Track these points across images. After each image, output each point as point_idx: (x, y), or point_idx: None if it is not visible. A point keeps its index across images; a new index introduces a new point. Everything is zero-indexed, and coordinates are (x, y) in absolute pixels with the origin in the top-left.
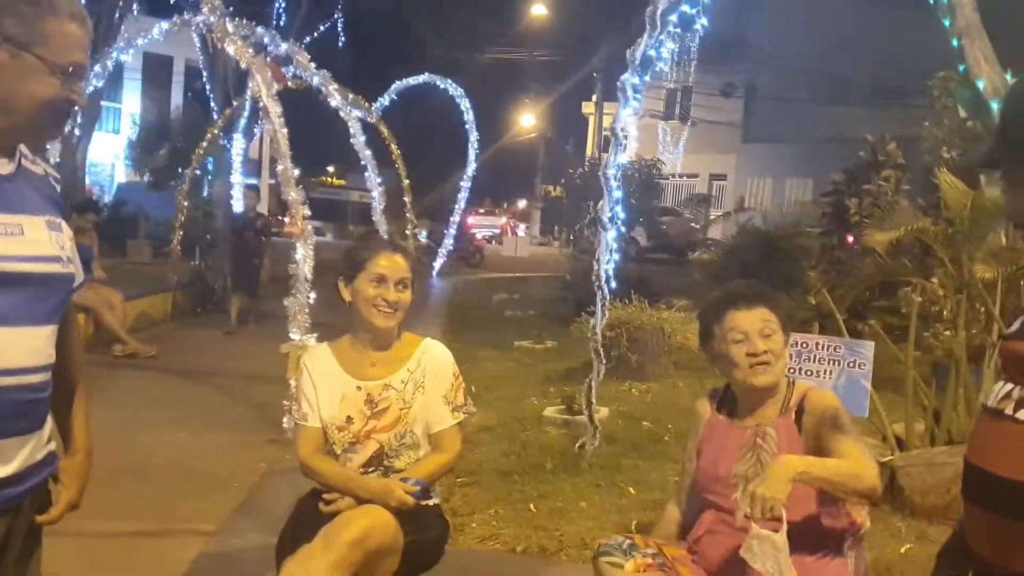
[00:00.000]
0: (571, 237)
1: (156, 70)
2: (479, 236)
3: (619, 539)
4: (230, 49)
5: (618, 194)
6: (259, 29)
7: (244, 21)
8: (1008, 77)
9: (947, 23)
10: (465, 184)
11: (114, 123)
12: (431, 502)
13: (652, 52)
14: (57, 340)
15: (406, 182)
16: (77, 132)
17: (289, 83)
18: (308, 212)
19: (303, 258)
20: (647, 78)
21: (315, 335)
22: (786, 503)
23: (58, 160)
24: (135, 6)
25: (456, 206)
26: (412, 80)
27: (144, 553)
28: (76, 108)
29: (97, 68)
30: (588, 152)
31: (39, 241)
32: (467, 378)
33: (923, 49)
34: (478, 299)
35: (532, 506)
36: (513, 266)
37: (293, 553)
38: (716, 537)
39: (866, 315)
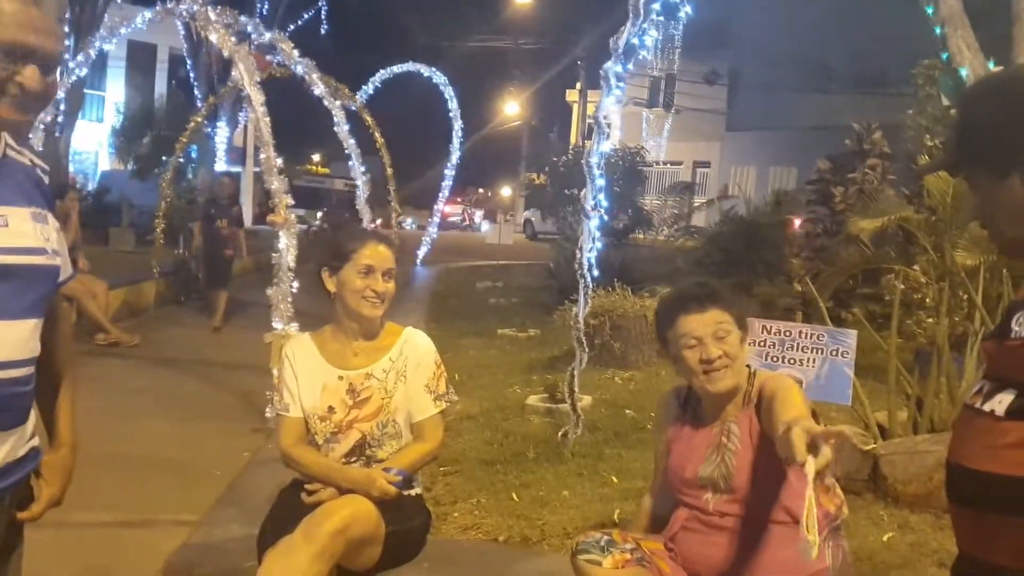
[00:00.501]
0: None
1: (140, 58)
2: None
3: (596, 536)
4: (213, 37)
5: (601, 182)
6: (242, 17)
7: (227, 9)
8: (991, 65)
9: (930, 11)
10: (449, 172)
11: (98, 111)
12: (413, 492)
13: (635, 40)
14: (44, 333)
15: (390, 171)
16: (60, 120)
17: (274, 71)
18: (291, 201)
19: (286, 247)
20: (630, 66)
21: (296, 324)
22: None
23: (40, 148)
24: None
25: (440, 194)
26: (396, 68)
27: (125, 544)
28: (32, 92)
29: (80, 57)
30: (572, 140)
31: (24, 233)
32: (450, 366)
33: (907, 37)
34: (462, 287)
35: (515, 495)
36: (496, 254)
37: (275, 544)
38: (691, 534)
39: (850, 303)
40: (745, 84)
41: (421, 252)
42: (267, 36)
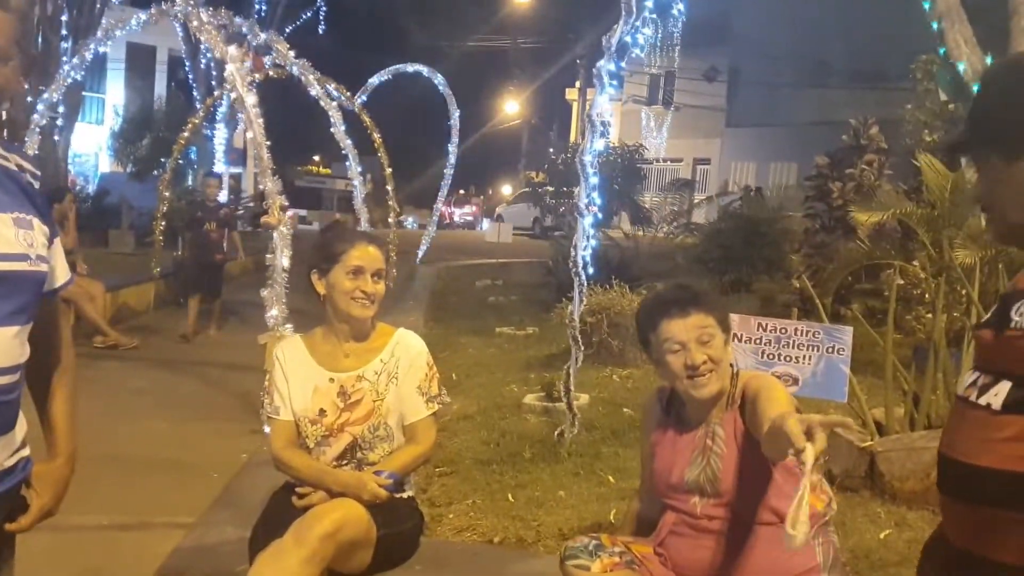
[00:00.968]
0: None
1: (139, 60)
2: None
3: (585, 540)
4: (203, 38)
5: (595, 180)
6: (237, 19)
7: (222, 10)
8: (988, 59)
9: (927, 6)
10: (448, 171)
11: (97, 113)
12: (405, 495)
13: (628, 38)
14: (42, 340)
15: (388, 170)
16: (59, 123)
17: (270, 72)
18: (286, 202)
19: (280, 248)
20: (624, 64)
21: (291, 325)
22: (748, 497)
23: (37, 151)
24: None
25: (440, 194)
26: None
27: (121, 546)
28: (4, 92)
29: (75, 60)
30: (572, 138)
31: (5, 239)
32: (448, 365)
33: (906, 32)
34: (461, 285)
35: (510, 496)
36: (495, 252)
37: (266, 547)
38: (679, 538)
39: (849, 299)
40: (744, 80)
41: (421, 251)
42: (262, 37)
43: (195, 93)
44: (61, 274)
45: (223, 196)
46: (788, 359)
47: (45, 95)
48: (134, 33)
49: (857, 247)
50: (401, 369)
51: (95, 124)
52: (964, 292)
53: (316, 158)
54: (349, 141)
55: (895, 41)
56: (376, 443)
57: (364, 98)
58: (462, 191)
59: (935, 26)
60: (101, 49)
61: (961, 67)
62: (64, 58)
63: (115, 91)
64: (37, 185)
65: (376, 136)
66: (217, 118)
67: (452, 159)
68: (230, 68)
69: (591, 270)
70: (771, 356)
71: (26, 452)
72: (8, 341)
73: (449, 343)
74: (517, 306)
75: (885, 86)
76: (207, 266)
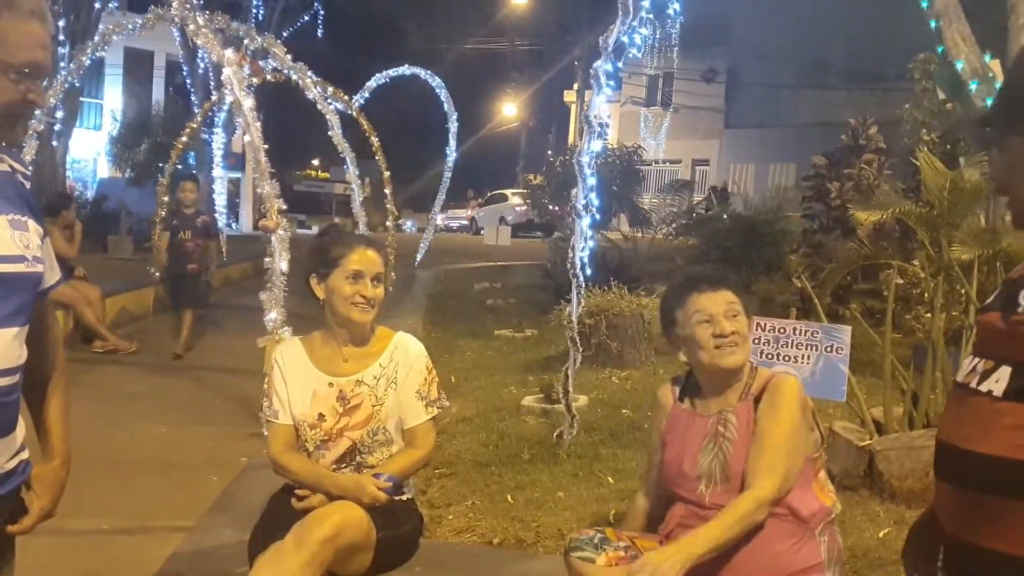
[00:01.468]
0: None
1: (137, 65)
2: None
3: (590, 533)
4: (200, 42)
5: (592, 181)
6: (234, 23)
7: (219, 14)
8: (987, 58)
9: (925, 5)
10: (446, 176)
11: (95, 119)
12: (404, 497)
13: (625, 39)
14: (33, 341)
15: (387, 174)
16: (57, 128)
17: (268, 76)
18: (283, 206)
19: (278, 252)
20: (621, 64)
21: (289, 329)
22: None
23: (34, 157)
24: (114, 1)
25: (438, 197)
26: (393, 72)
27: (120, 550)
28: (36, 109)
29: (72, 65)
30: (570, 140)
31: (2, 240)
32: (447, 368)
33: (904, 32)
34: (459, 288)
35: (509, 497)
36: (494, 255)
37: (265, 550)
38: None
39: (848, 299)
40: (743, 81)
41: (419, 254)
42: (259, 41)
43: (193, 98)
44: (52, 274)
45: (222, 199)
46: (787, 359)
47: None
48: (132, 38)
49: (856, 247)
50: (400, 373)
51: (93, 130)
52: (963, 291)
53: (315, 162)
54: (347, 145)
55: (894, 41)
56: (375, 447)
57: (362, 101)
58: (465, 196)
59: (933, 24)
60: (99, 54)
61: (959, 66)
62: (61, 64)
63: (113, 96)
64: (28, 185)
65: (374, 140)
66: (215, 123)
67: (450, 162)
68: (227, 72)
69: (589, 272)
70: (770, 356)
71: (26, 455)
72: (7, 343)
73: (448, 346)
74: (515, 308)
75: (884, 87)
76: (179, 276)
